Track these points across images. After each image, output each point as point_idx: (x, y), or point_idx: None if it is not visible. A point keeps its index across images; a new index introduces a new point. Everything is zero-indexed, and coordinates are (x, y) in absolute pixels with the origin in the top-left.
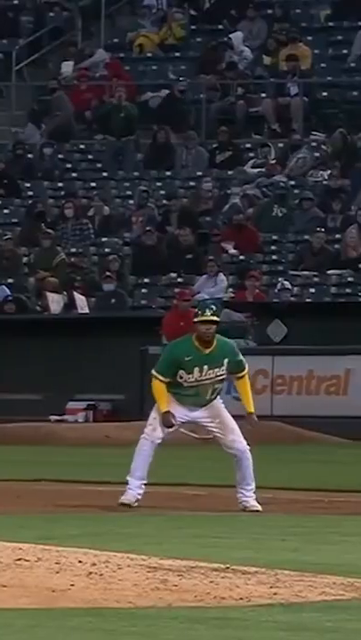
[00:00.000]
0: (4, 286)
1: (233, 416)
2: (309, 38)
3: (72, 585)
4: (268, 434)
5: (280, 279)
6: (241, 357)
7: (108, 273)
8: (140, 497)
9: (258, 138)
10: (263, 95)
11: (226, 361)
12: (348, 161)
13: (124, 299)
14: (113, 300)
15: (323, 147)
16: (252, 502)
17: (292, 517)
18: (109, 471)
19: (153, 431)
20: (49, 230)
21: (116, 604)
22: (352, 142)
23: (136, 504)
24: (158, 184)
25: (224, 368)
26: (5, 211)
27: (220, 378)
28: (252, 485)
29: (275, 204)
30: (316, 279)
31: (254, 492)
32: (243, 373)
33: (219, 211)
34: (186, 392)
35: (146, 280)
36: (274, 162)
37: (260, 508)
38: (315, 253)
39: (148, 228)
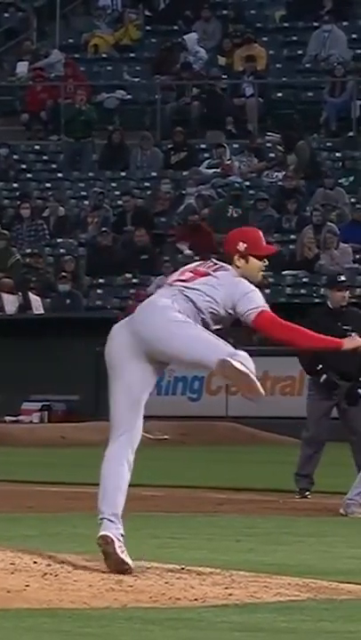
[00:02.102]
0: None
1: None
2: (264, 39)
3: (27, 586)
4: (223, 434)
5: None
6: None
7: (63, 273)
8: None
9: (213, 138)
10: (218, 96)
11: None
12: (308, 165)
13: (80, 299)
14: (68, 301)
15: (278, 147)
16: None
17: (246, 518)
18: (65, 472)
19: None
20: (4, 231)
21: (71, 604)
22: (308, 143)
23: None
24: (113, 185)
25: None
26: None
27: None
28: None
29: (230, 205)
30: (271, 279)
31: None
32: None
33: (174, 211)
34: None
35: (101, 280)
36: (229, 162)
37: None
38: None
39: (103, 229)
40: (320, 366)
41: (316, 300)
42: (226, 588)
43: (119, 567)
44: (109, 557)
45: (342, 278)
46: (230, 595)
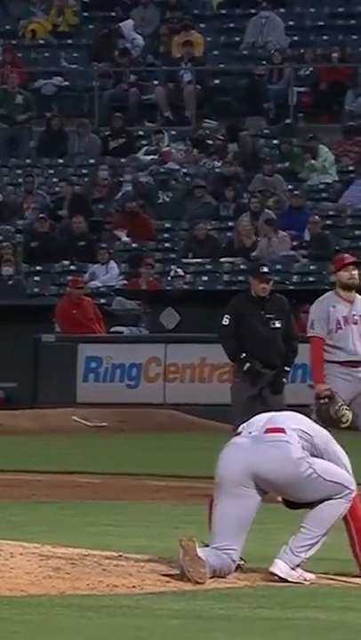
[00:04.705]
0: None
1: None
2: (202, 25)
3: None
4: (161, 422)
5: (173, 267)
6: None
7: (5, 258)
8: None
9: (151, 125)
10: (156, 83)
11: None
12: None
13: (22, 286)
14: (10, 282)
15: (217, 135)
16: None
17: (185, 506)
18: (1, 459)
19: None
20: None
21: (8, 592)
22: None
23: None
24: (51, 171)
25: None
26: None
27: None
28: None
29: (167, 192)
30: (208, 267)
31: None
32: None
33: (112, 198)
34: None
35: (39, 268)
36: (167, 149)
37: None
38: (205, 241)
39: (40, 216)
40: (244, 354)
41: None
42: (164, 575)
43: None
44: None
45: (265, 270)
46: (168, 582)
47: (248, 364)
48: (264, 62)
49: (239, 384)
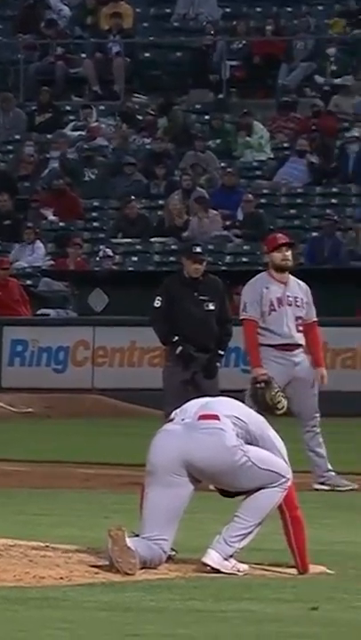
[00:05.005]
0: None
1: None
2: None
3: None
4: (89, 407)
5: (101, 247)
6: None
7: None
8: None
9: (78, 100)
10: (83, 56)
11: None
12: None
13: None
14: None
15: (147, 110)
16: None
17: (115, 494)
18: None
19: None
20: None
21: None
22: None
23: None
24: None
25: None
26: None
27: None
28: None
29: (95, 169)
30: (138, 247)
31: None
32: None
33: (38, 175)
34: None
35: None
36: (95, 124)
37: None
38: (136, 220)
39: None
40: (176, 337)
41: None
42: (92, 567)
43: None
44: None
45: (198, 250)
46: (97, 573)
47: (180, 348)
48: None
49: (171, 368)
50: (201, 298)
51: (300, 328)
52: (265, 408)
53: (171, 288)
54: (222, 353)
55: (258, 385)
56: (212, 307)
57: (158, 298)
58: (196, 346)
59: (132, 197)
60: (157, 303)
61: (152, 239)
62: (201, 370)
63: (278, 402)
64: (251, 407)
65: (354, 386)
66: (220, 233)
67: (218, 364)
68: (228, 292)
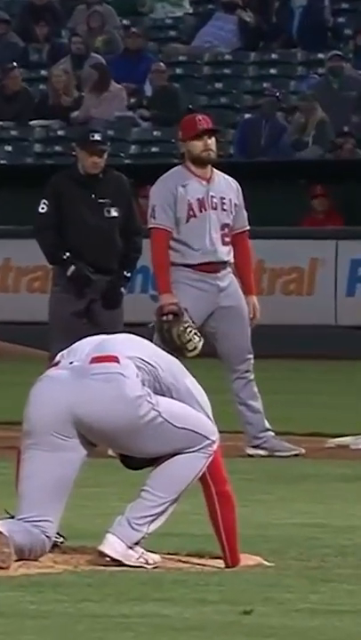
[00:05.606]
0: None
1: None
2: None
3: None
4: None
5: None
6: None
7: None
8: None
9: None
10: None
11: None
12: None
13: None
14: None
15: None
16: None
17: None
18: None
19: None
20: None
21: None
22: None
23: None
24: None
25: None
26: None
27: None
28: None
29: None
30: (13, 133)
31: None
32: None
33: None
34: None
35: None
36: None
37: None
38: (12, 97)
39: None
40: (67, 254)
41: None
42: None
43: None
44: None
45: (97, 137)
46: None
47: (73, 267)
48: None
49: (60, 295)
50: (100, 201)
51: (228, 239)
52: (172, 347)
53: (60, 188)
54: (128, 275)
55: (164, 318)
56: (114, 213)
57: (44, 201)
58: (93, 265)
59: (14, 64)
60: (42, 208)
61: (31, 122)
62: (100, 297)
63: (188, 341)
64: (159, 346)
65: (298, 318)
66: (122, 114)
67: (122, 290)
68: (135, 193)
